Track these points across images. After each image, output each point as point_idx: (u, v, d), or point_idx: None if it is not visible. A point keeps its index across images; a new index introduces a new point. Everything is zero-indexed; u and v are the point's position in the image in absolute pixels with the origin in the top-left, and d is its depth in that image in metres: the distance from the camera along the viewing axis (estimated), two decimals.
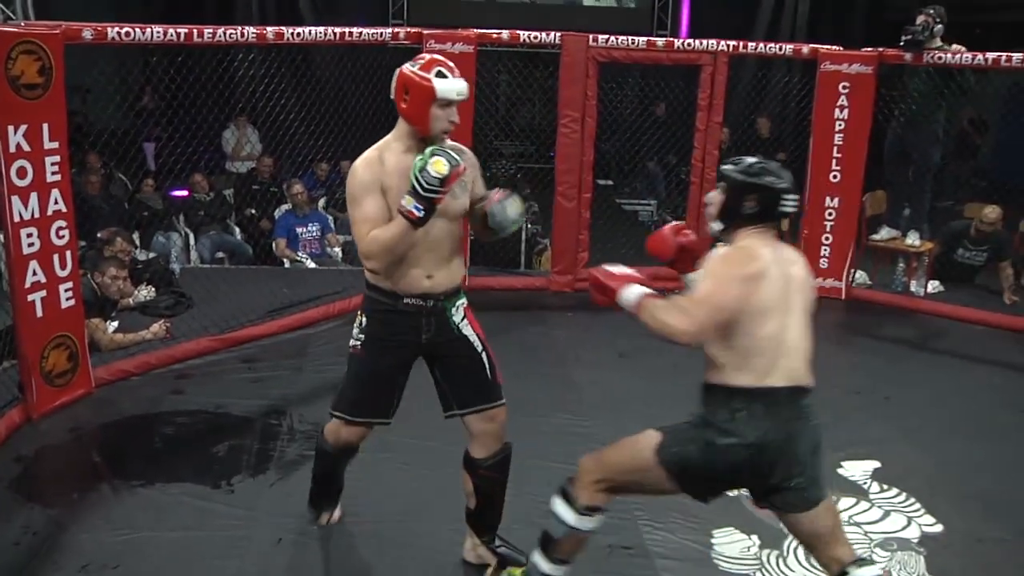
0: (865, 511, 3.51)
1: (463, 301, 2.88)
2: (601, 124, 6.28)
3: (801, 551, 3.12)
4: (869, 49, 6.07)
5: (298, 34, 5.02)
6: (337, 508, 3.30)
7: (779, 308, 2.40)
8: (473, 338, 2.87)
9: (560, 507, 2.61)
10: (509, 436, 3.93)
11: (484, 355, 2.89)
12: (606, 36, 5.93)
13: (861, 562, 2.47)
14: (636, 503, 3.39)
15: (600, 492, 2.58)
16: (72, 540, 3.11)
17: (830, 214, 6.24)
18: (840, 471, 3.76)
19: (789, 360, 2.41)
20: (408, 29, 5.90)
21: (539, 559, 2.66)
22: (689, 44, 6.02)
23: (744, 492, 2.68)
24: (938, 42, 5.84)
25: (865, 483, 3.68)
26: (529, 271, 6.95)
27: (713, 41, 5.98)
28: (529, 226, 7.62)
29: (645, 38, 6.13)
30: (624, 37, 5.97)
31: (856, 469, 3.78)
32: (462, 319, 2.86)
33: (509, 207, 2.83)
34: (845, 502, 3.53)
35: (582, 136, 5.99)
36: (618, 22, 10.15)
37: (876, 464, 3.83)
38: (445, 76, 2.67)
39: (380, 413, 2.91)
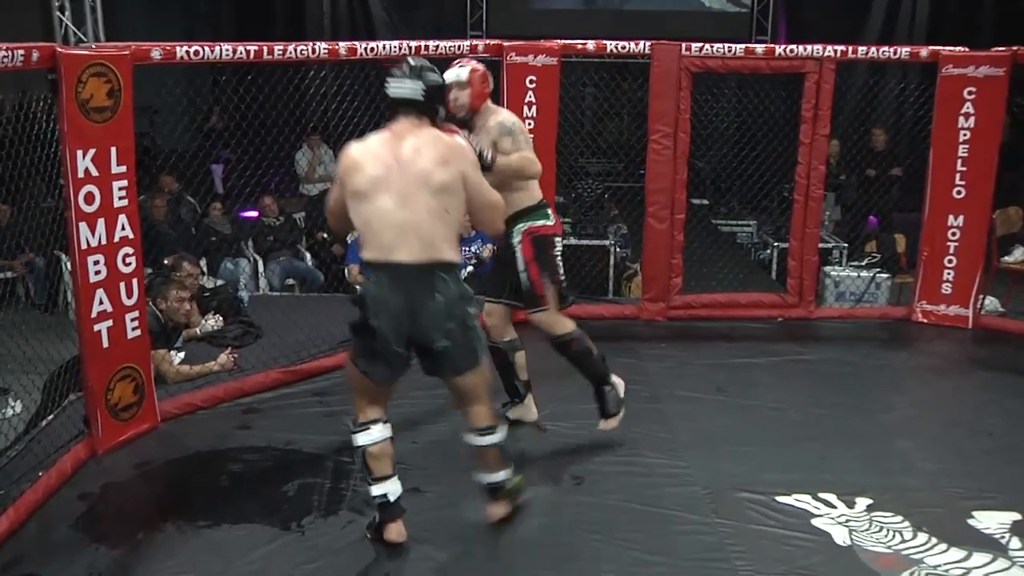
0: (1004, 570, 3.32)
1: (523, 226, 4.01)
2: (695, 139, 6.22)
3: None
4: (1000, 48, 5.86)
5: (372, 49, 5.11)
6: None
7: (368, 192, 3.11)
8: (520, 258, 4.05)
9: (355, 438, 3.38)
10: (598, 476, 3.92)
11: (525, 274, 4.05)
12: (700, 44, 5.87)
13: (486, 431, 3.37)
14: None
15: (363, 409, 3.37)
16: None
17: (954, 234, 6.02)
18: (972, 522, 3.58)
19: (381, 238, 3.10)
20: (488, 41, 5.96)
21: (373, 489, 3.39)
22: (791, 50, 5.90)
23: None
24: None
25: (1003, 537, 3.50)
26: (618, 298, 6.90)
27: (819, 46, 5.86)
28: (618, 250, 7.58)
29: (743, 45, 6.05)
30: (720, 45, 5.90)
31: (991, 521, 3.60)
32: (518, 241, 4.04)
33: None
34: (978, 558, 3.36)
35: (674, 152, 5.93)
36: (713, 29, 10.06)
37: (1015, 516, 3.63)
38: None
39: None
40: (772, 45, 6.18)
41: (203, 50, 4.37)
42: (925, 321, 6.14)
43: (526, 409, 4.44)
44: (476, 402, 3.38)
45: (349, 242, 7.36)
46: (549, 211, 4.14)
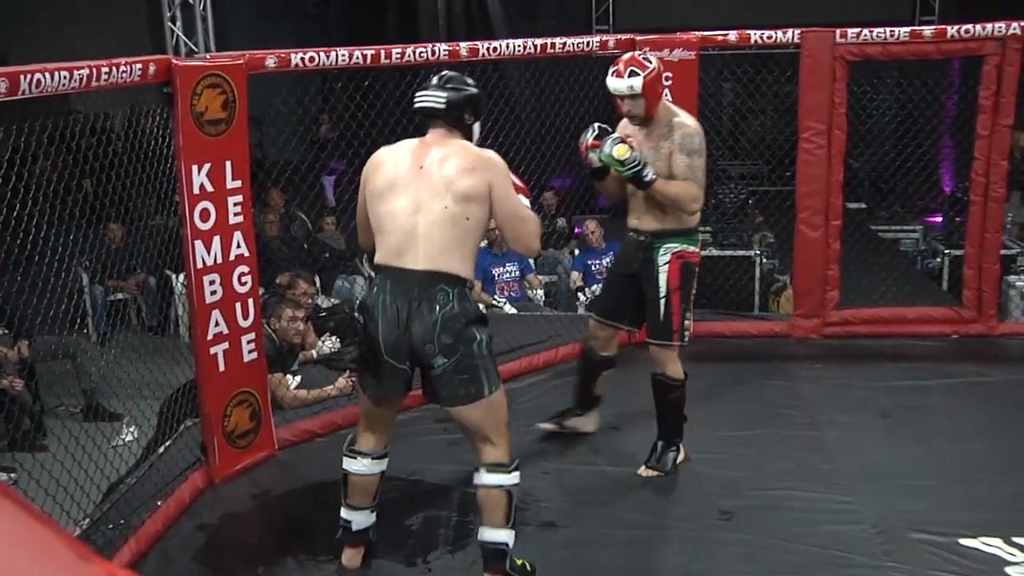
0: None
1: (674, 247, 4.07)
2: (852, 137, 6.06)
3: None
4: None
5: (495, 49, 5.20)
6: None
7: (385, 193, 3.24)
8: (663, 284, 4.08)
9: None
10: (750, 511, 3.85)
11: (664, 301, 4.08)
12: (857, 29, 5.73)
13: (495, 467, 3.29)
14: None
15: (360, 435, 3.55)
16: None
17: None
18: None
19: (389, 240, 3.21)
20: (618, 36, 5.96)
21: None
22: (967, 31, 5.68)
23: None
24: None
25: None
26: (766, 314, 6.77)
27: (1001, 24, 5.61)
28: (764, 260, 7.45)
29: (907, 28, 5.86)
30: (880, 29, 5.74)
31: None
32: (665, 263, 4.08)
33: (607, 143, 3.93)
34: None
35: (828, 152, 5.79)
36: (869, 10, 9.80)
37: None
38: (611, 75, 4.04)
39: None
40: (943, 26, 5.95)
41: (319, 56, 4.52)
42: None
43: (585, 420, 4.61)
44: (483, 441, 3.32)
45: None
46: (699, 237, 4.22)
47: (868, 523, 3.77)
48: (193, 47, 7.03)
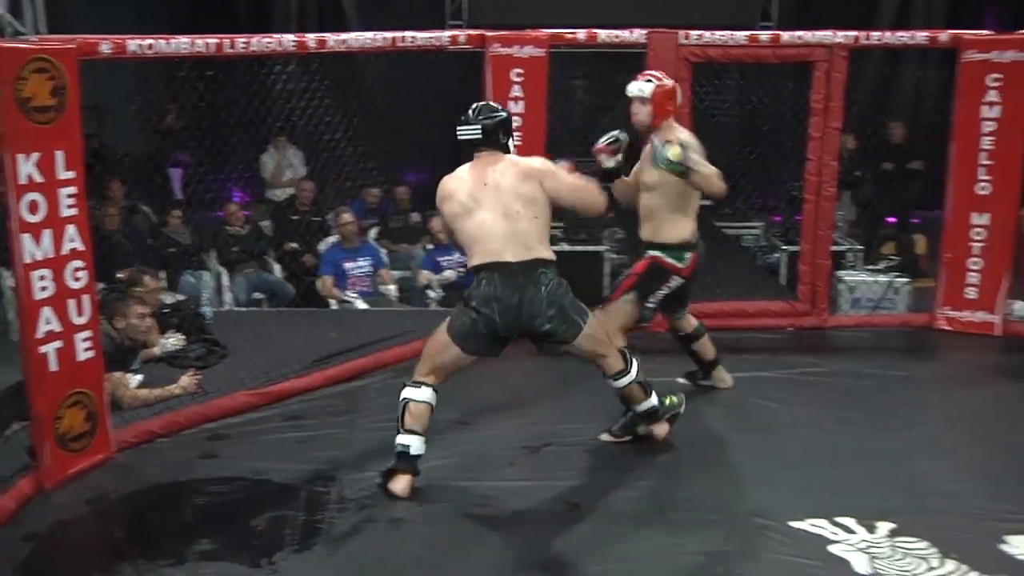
0: None
1: (655, 253, 4.62)
2: (696, 135, 6.21)
3: None
4: None
5: (343, 41, 5.11)
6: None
7: (468, 211, 3.96)
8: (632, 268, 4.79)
9: (404, 391, 4.02)
10: (593, 502, 3.90)
11: (620, 278, 4.84)
12: (699, 31, 5.89)
13: (619, 374, 4.14)
14: None
15: (427, 372, 4.03)
16: None
17: (978, 233, 6.05)
18: (1003, 547, 3.59)
19: (488, 245, 3.91)
20: (469, 32, 5.97)
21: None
22: (799, 38, 5.93)
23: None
24: None
25: None
26: None
27: (829, 32, 5.89)
28: (613, 256, 7.59)
29: (746, 32, 6.07)
30: (721, 32, 5.92)
31: None
32: (643, 257, 4.68)
33: (663, 148, 4.29)
34: None
35: None
36: (714, 15, 10.08)
37: None
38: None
39: None
40: (778, 32, 6.19)
41: (158, 44, 4.36)
42: (949, 328, 6.17)
43: (715, 380, 5.10)
44: (598, 358, 4.12)
45: (321, 251, 7.37)
46: (687, 255, 4.58)
47: (708, 510, 3.88)
48: (20, 28, 6.65)
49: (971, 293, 6.12)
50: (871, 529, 3.69)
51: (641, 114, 4.53)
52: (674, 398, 4.48)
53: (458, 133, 4.07)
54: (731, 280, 6.72)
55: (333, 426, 4.76)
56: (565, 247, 7.23)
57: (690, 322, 5.01)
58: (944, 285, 6.21)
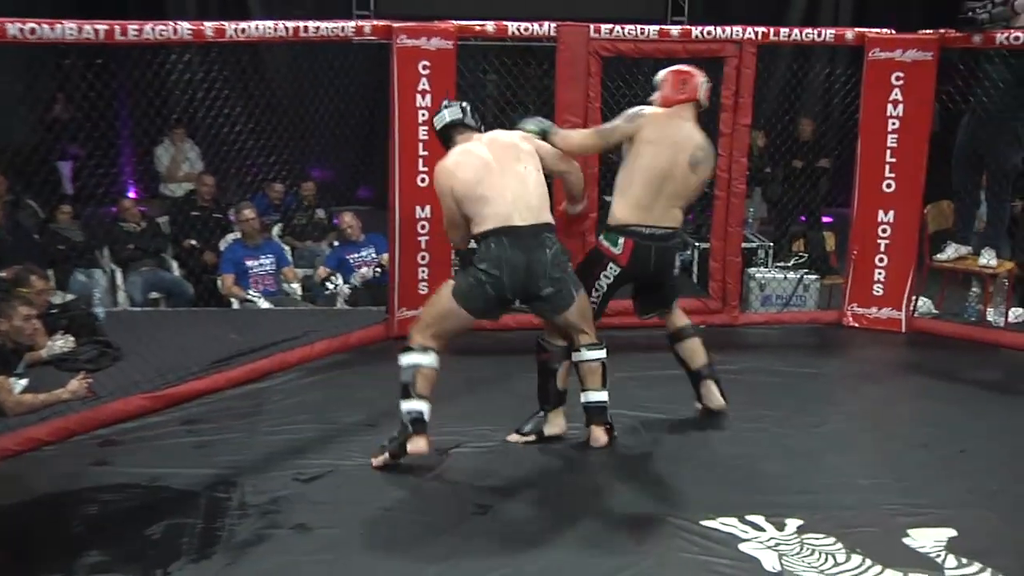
0: None
1: (600, 237, 4.70)
2: None
3: None
4: (928, 31, 6.11)
5: (243, 30, 5.04)
6: None
7: (480, 180, 4.20)
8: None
9: (403, 357, 4.20)
10: (502, 506, 3.92)
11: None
12: (610, 26, 5.96)
13: (593, 346, 4.38)
14: None
15: (431, 337, 4.20)
16: None
17: (884, 231, 6.25)
18: (907, 541, 3.71)
19: (497, 208, 4.15)
20: (374, 23, 5.93)
21: (405, 405, 4.16)
22: (709, 32, 6.05)
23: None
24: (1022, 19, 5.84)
25: (939, 556, 3.63)
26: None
27: (739, 28, 6.02)
28: None
29: (657, 27, 6.16)
30: (632, 26, 6.00)
31: (926, 539, 3.73)
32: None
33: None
34: None
35: None
36: (625, 8, 10.21)
37: (951, 532, 3.78)
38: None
39: None
40: (688, 27, 6.30)
41: (41, 28, 4.23)
42: (856, 325, 6.36)
43: (702, 395, 4.88)
44: (578, 331, 4.35)
45: (222, 249, 7.26)
46: (620, 240, 4.56)
47: (617, 511, 3.94)
48: None
49: (878, 290, 6.31)
50: (780, 526, 3.78)
51: (654, 99, 4.70)
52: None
53: (436, 122, 4.48)
54: None
55: (234, 430, 4.69)
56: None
57: (673, 320, 4.93)
58: (852, 282, 6.40)
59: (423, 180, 5.79)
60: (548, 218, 4.26)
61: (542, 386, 4.58)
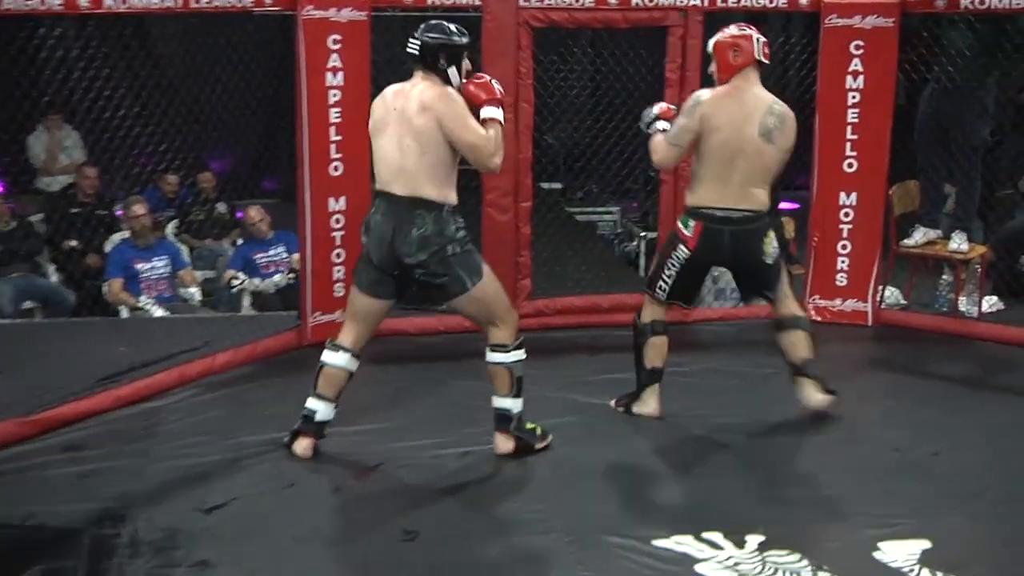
0: None
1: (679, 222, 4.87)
2: (541, 110, 6.29)
3: None
4: None
5: (124, 1, 4.95)
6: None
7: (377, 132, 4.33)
8: None
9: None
10: (433, 528, 3.90)
11: None
12: None
13: (497, 348, 4.39)
14: None
15: (347, 334, 4.41)
16: None
17: (846, 215, 6.33)
18: (878, 555, 3.75)
19: (381, 173, 4.31)
20: None
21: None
22: (652, 0, 6.06)
23: None
24: None
25: (912, 571, 3.68)
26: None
27: None
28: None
29: None
30: None
31: (898, 552, 3.78)
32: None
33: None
34: None
35: (516, 126, 5.97)
36: None
37: (925, 544, 3.83)
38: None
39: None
40: None
41: None
42: (819, 319, 6.38)
43: (799, 391, 4.93)
44: (487, 325, 4.40)
45: (107, 251, 7.14)
46: (691, 222, 4.72)
47: (560, 531, 3.92)
48: None
49: (841, 280, 6.39)
50: (739, 544, 3.80)
51: (713, 70, 4.77)
52: (540, 429, 4.59)
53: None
54: (584, 272, 6.84)
55: (124, 456, 4.59)
56: None
57: (778, 308, 4.99)
58: (813, 272, 6.46)
59: (336, 168, 5.75)
60: (428, 193, 4.21)
61: (636, 361, 4.96)
